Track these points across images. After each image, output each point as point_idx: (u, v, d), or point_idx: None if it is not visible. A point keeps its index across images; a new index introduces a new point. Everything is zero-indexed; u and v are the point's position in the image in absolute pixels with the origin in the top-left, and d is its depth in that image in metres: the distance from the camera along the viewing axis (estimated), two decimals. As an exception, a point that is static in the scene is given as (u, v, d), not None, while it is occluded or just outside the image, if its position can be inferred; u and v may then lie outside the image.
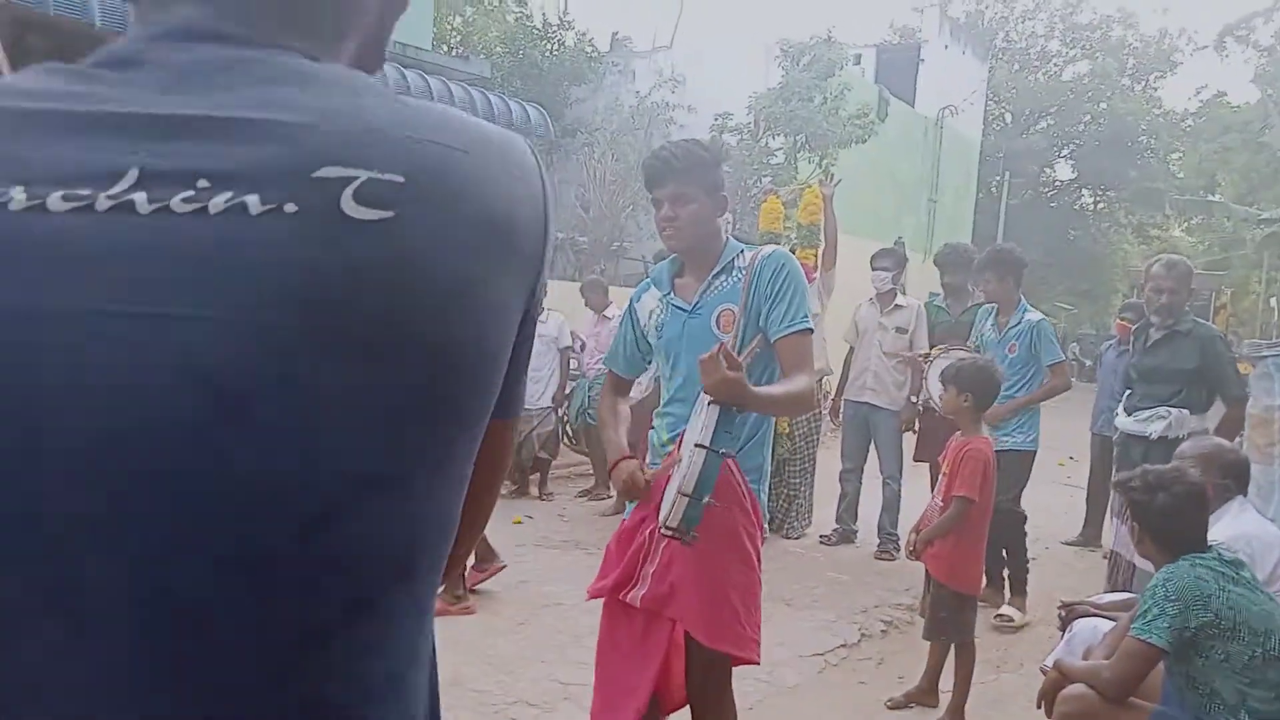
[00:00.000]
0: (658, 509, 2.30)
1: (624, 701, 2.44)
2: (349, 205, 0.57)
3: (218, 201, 0.55)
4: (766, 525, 2.60)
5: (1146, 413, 4.15)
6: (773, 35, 13.10)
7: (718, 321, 2.46)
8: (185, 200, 0.55)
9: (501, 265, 0.64)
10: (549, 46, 12.94)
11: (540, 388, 6.74)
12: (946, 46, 20.12)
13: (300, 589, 0.57)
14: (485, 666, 3.76)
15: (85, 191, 0.55)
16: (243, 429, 0.54)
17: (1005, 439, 4.74)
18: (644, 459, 2.59)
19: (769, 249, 2.54)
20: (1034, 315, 4.97)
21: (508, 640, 4.09)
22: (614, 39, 16.26)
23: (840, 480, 6.16)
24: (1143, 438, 4.11)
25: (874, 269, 6.06)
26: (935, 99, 19.20)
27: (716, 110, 12.54)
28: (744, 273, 2.45)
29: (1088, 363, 22.62)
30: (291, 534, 0.56)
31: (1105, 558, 5.20)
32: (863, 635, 4.47)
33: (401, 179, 0.59)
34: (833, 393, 6.55)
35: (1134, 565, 4.06)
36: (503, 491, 7.11)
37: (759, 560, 2.44)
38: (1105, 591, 4.11)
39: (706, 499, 2.11)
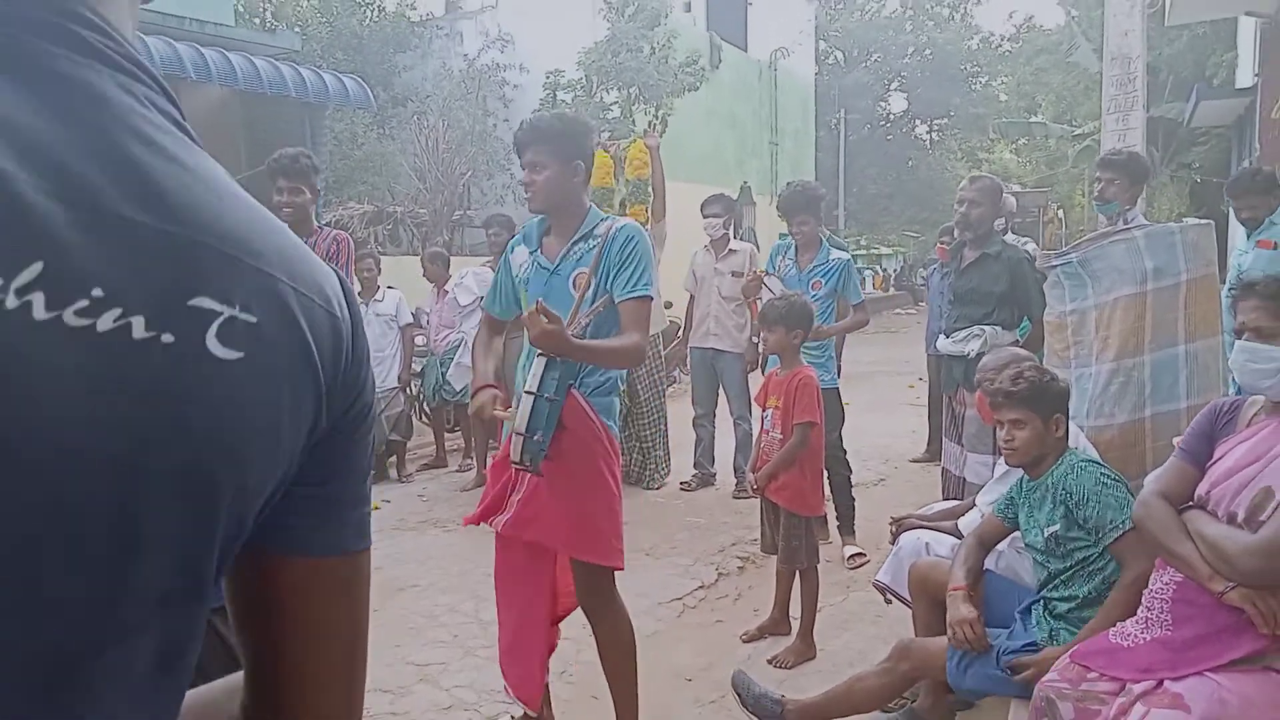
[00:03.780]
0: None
1: (524, 620, 2.87)
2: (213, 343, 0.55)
3: (105, 320, 0.52)
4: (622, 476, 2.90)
5: (963, 333, 4.35)
6: (597, -12, 12.97)
7: (574, 282, 2.76)
8: (78, 313, 0.51)
9: (303, 402, 0.61)
10: (367, 14, 12.46)
11: (384, 369, 6.56)
12: (773, -10, 20.37)
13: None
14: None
15: None
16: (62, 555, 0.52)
17: None
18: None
19: (623, 221, 2.87)
20: (841, 254, 5.13)
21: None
22: (447, 1, 15.78)
23: (694, 426, 6.26)
24: (962, 357, 4.31)
25: (705, 216, 6.13)
26: (767, 42, 19.46)
27: (548, 68, 12.38)
28: (599, 240, 2.75)
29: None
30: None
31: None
32: (720, 575, 4.59)
33: (255, 320, 0.57)
34: (675, 341, 6.63)
35: (963, 479, 4.28)
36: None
37: (616, 482, 2.78)
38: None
39: (537, 436, 2.52)
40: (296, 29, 11.42)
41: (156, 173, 0.55)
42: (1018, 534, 2.86)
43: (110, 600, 0.54)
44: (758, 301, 5.44)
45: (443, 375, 6.92)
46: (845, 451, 5.02)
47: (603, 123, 12.33)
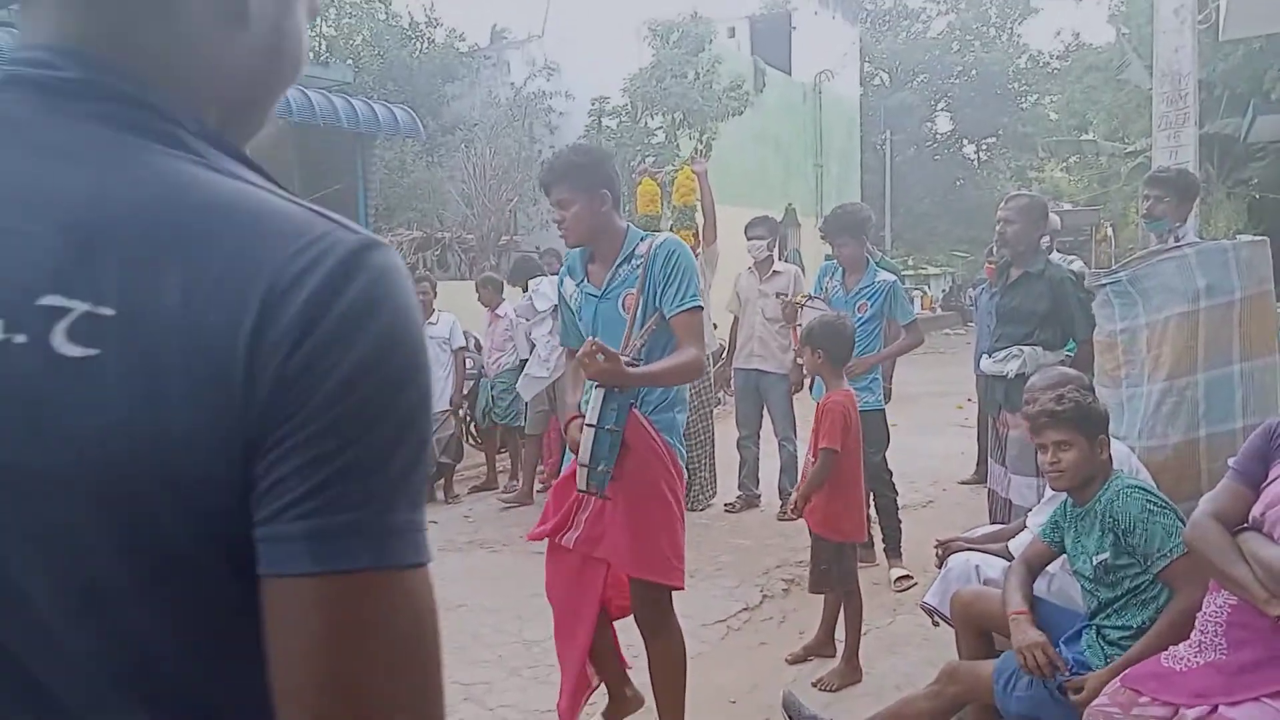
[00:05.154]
0: None
1: (575, 625, 2.92)
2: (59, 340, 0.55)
3: None
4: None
5: (1003, 353, 4.30)
6: (643, 14, 13.13)
7: (623, 304, 2.80)
8: None
9: (203, 398, 0.55)
10: (418, 46, 12.73)
11: (435, 391, 6.65)
12: (816, 12, 20.45)
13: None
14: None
15: None
16: None
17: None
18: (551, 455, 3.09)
19: (662, 237, 2.90)
20: (887, 276, 5.11)
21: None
22: (494, 31, 16.08)
23: (738, 447, 6.25)
24: (1002, 377, 4.26)
25: (749, 238, 6.15)
26: (811, 65, 19.50)
27: (593, 94, 12.54)
28: (641, 259, 2.78)
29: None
30: None
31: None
32: (764, 596, 4.56)
33: (113, 313, 0.55)
34: (721, 363, 6.64)
35: (1009, 501, 4.22)
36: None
37: (679, 501, 2.82)
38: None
39: (601, 466, 2.60)
40: (349, 61, 11.71)
41: (50, 180, 0.58)
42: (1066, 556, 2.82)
43: (108, 605, 0.57)
44: (798, 327, 5.44)
45: (493, 398, 7.00)
46: (891, 474, 4.97)
47: (647, 148, 12.45)
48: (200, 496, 0.56)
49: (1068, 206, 20.88)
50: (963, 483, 6.87)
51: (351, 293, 0.57)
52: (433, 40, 13.54)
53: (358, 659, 0.56)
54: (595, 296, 2.86)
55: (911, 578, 4.69)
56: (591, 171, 2.80)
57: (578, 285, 2.93)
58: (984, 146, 31.32)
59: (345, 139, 8.29)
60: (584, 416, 2.71)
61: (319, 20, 13.59)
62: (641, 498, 2.74)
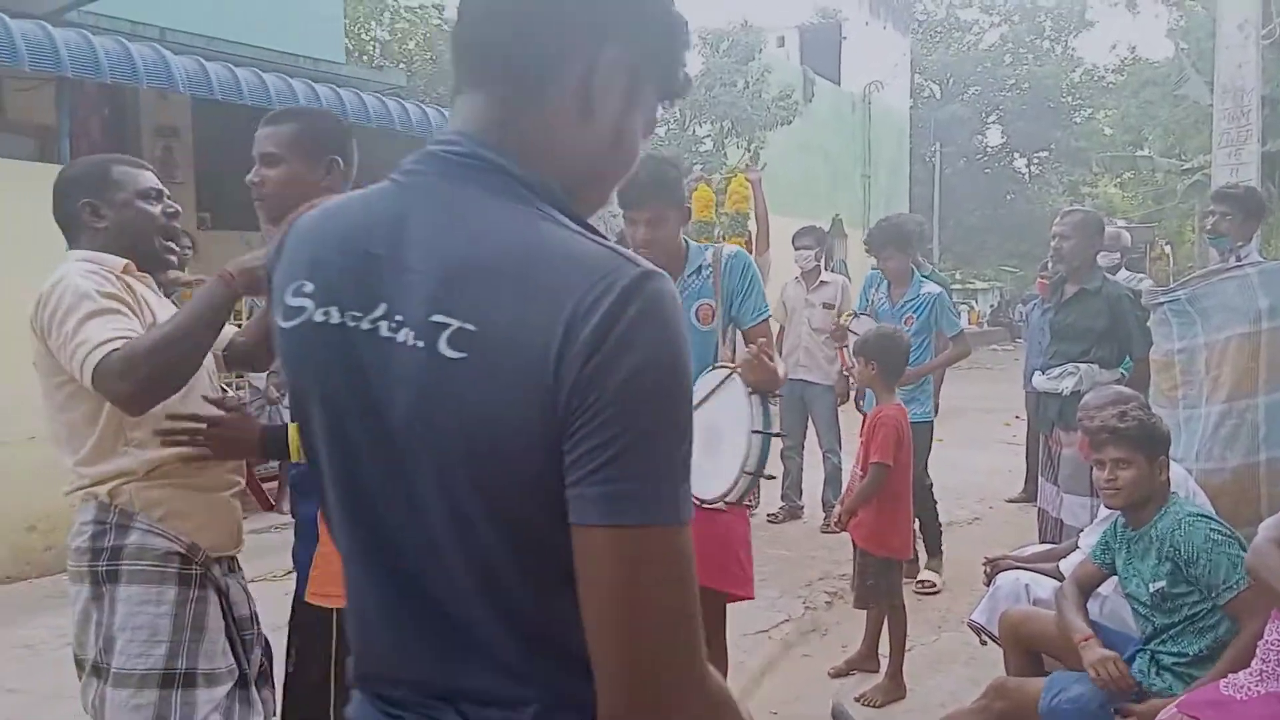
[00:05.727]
0: None
1: None
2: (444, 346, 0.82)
3: (404, 334, 0.85)
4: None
5: (1058, 370, 4.24)
6: (693, 23, 13.14)
7: (697, 314, 2.79)
8: (390, 330, 0.86)
9: (528, 386, 0.79)
10: (469, 50, 12.89)
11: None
12: (867, 23, 20.34)
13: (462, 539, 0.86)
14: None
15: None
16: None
17: None
18: None
19: (730, 249, 2.89)
20: (932, 288, 5.07)
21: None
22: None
23: (782, 458, 6.22)
24: (1056, 394, 4.20)
25: (796, 248, 6.13)
26: (861, 75, 19.39)
27: (642, 102, 12.56)
28: (711, 270, 2.78)
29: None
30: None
31: (1042, 513, 5.31)
32: (807, 608, 4.53)
33: (474, 329, 0.81)
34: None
35: (1060, 521, 4.15)
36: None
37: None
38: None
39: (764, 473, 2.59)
40: (401, 65, 11.85)
41: (442, 230, 0.86)
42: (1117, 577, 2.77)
43: (481, 532, 0.84)
44: (846, 348, 5.41)
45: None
46: (931, 483, 4.94)
47: (695, 156, 12.45)
48: (524, 464, 0.80)
49: (1121, 223, 20.45)
50: (1010, 501, 6.78)
51: (629, 315, 0.78)
52: (485, 46, 13.67)
53: (634, 588, 0.79)
54: None
55: (934, 585, 4.67)
56: (679, 185, 2.79)
57: None
58: (1035, 161, 30.88)
59: (398, 142, 8.39)
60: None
61: (373, 24, 13.79)
62: (722, 511, 2.67)
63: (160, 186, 2.07)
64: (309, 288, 0.91)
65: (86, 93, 6.00)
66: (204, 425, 1.93)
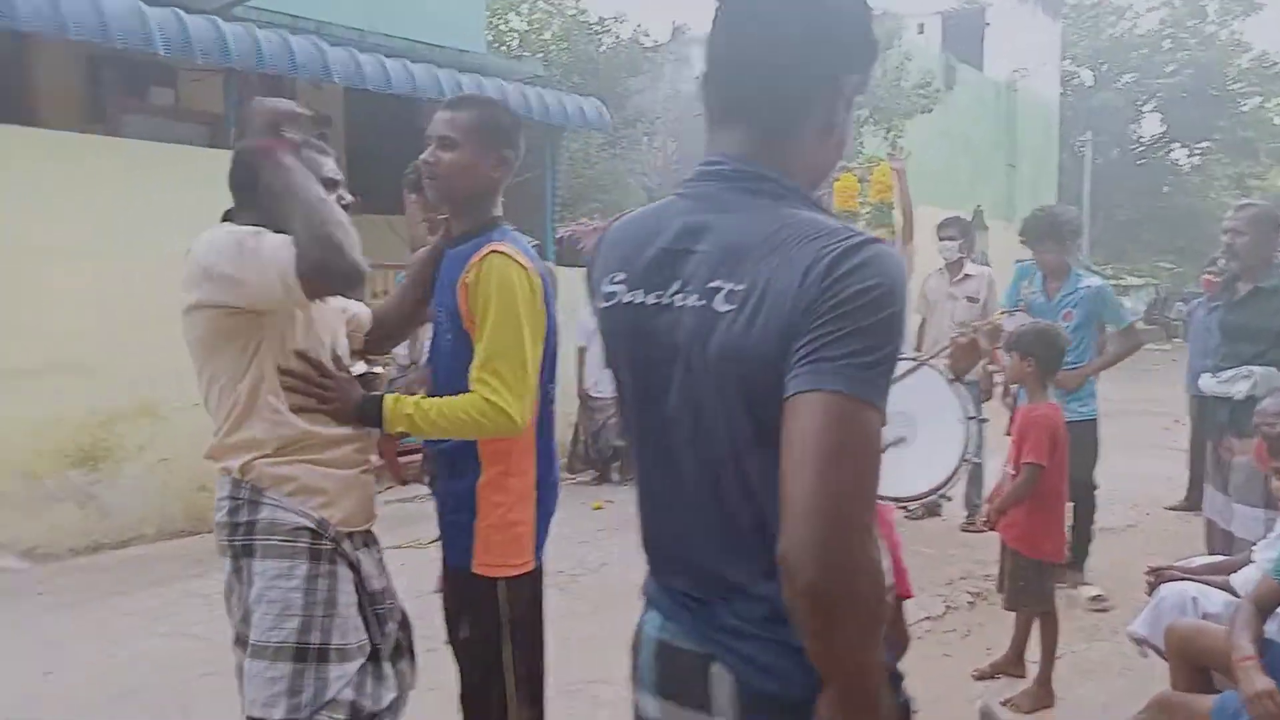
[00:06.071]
0: None
1: None
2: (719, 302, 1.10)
3: (689, 299, 1.14)
4: None
5: (1229, 373, 3.92)
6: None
7: None
8: (681, 297, 1.15)
9: (774, 322, 1.04)
10: (603, 41, 12.96)
11: (608, 376, 6.73)
12: (1015, 7, 19.48)
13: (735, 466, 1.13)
14: (566, 649, 3.79)
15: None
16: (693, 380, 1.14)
17: (1066, 410, 4.55)
18: None
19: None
20: (1094, 280, 4.78)
21: (588, 623, 4.12)
22: (674, 29, 16.20)
23: (920, 454, 6.02)
24: (1227, 399, 3.90)
25: (940, 239, 5.92)
26: (1007, 62, 18.62)
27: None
28: None
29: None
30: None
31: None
32: (948, 608, 4.37)
33: (742, 288, 1.08)
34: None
35: (1231, 533, 3.86)
36: (585, 479, 7.20)
37: None
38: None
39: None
40: (539, 55, 12.05)
41: (718, 222, 1.14)
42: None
43: (721, 433, 1.10)
44: (999, 349, 5.17)
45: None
46: (1096, 487, 4.66)
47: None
48: (777, 371, 1.02)
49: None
50: (1170, 509, 6.37)
51: (851, 261, 1.02)
52: (619, 36, 13.75)
53: (832, 442, 0.97)
54: None
55: (1106, 599, 4.39)
56: None
57: None
58: (1196, 151, 28.96)
59: (536, 130, 8.52)
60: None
61: (511, 15, 14.08)
62: None
63: (339, 176, 2.08)
64: (620, 277, 1.20)
65: (250, 83, 6.31)
66: (315, 374, 1.96)
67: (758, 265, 1.06)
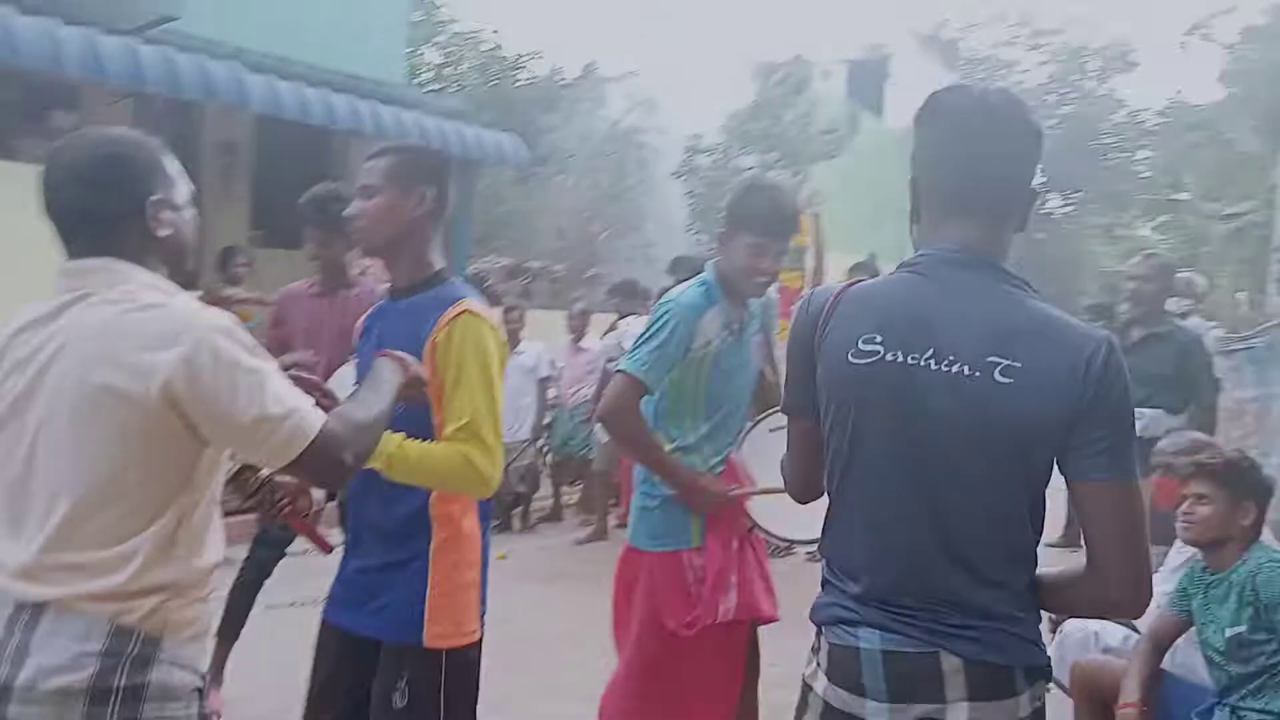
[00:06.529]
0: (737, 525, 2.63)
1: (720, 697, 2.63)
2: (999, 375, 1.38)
3: (955, 368, 1.40)
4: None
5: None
6: (746, 54, 13.26)
7: (753, 347, 2.81)
8: (944, 366, 1.41)
9: (1056, 401, 1.37)
10: (520, 76, 13.04)
11: (519, 420, 6.62)
12: (914, 58, 20.39)
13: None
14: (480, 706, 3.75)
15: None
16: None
17: None
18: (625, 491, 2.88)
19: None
20: None
21: (500, 679, 4.06)
22: (586, 69, 16.37)
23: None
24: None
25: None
26: (905, 111, 19.40)
27: (689, 131, 12.67)
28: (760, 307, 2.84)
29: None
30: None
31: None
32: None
33: (1020, 365, 1.37)
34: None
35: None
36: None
37: None
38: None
39: None
40: (454, 89, 12.04)
41: (970, 306, 1.41)
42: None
43: (979, 480, 1.39)
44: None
45: (573, 428, 7.02)
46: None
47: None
48: (1054, 441, 1.38)
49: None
50: (1050, 545, 6.65)
51: (1114, 360, 1.37)
52: (534, 73, 13.85)
53: (1130, 518, 1.39)
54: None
55: None
56: None
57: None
58: (1070, 201, 30.63)
59: (455, 165, 8.53)
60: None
61: (427, 45, 14.02)
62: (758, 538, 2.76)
63: None
64: (879, 338, 1.42)
65: (153, 107, 6.14)
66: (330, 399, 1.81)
67: (1032, 347, 1.35)
